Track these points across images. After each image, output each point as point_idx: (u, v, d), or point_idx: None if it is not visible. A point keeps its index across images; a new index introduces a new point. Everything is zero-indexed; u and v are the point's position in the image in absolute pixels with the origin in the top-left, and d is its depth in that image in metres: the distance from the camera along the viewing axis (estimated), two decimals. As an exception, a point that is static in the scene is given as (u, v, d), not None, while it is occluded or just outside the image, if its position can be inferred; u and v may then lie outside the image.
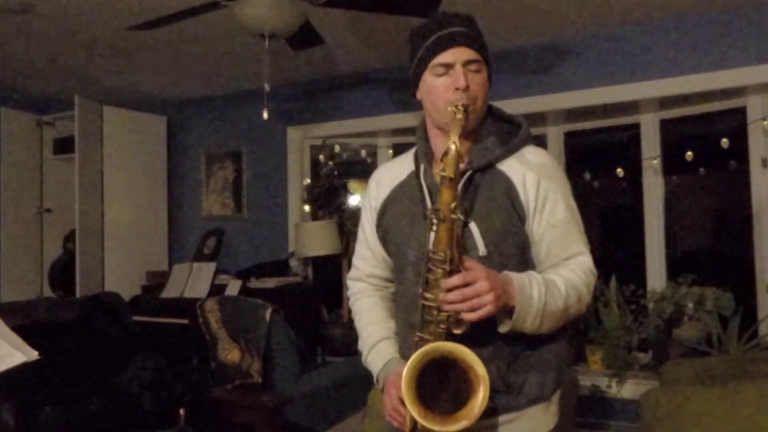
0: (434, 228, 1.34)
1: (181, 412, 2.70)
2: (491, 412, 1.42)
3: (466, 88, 1.42)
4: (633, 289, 3.46)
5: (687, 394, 2.20)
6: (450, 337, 1.33)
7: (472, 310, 1.28)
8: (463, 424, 1.26)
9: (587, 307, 1.46)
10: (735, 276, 3.44)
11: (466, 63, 1.43)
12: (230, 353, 3.39)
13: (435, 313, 1.33)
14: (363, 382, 2.93)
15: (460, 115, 1.36)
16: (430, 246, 1.35)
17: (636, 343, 3.41)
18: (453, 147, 1.30)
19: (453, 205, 1.31)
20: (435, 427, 1.27)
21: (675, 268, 3.58)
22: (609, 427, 3.39)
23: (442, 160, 1.33)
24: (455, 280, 1.29)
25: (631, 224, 3.80)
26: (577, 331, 3.60)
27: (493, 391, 1.38)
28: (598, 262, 1.50)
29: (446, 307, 1.30)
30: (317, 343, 4.06)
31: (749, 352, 3.01)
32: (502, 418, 1.43)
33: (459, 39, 1.44)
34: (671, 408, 2.19)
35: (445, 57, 1.44)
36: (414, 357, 1.30)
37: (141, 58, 3.90)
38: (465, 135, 1.48)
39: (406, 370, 1.30)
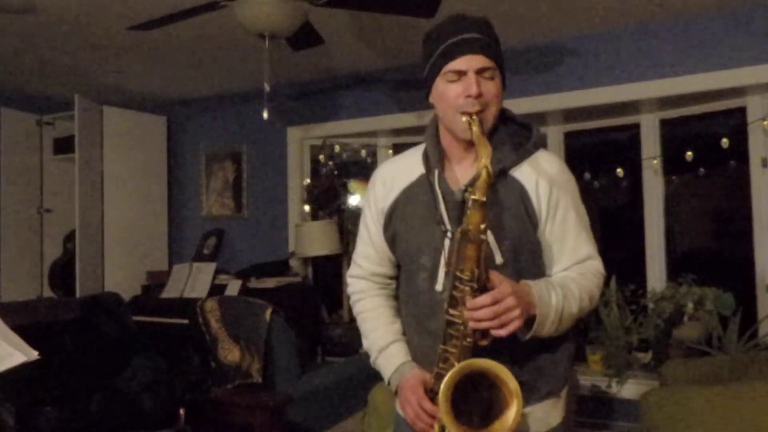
0: (449, 237, 1.39)
1: (181, 412, 2.71)
2: None
3: (479, 95, 1.40)
4: (633, 289, 3.46)
5: (687, 394, 2.21)
6: (476, 349, 1.35)
7: (502, 326, 1.30)
8: None
9: (596, 305, 1.52)
10: (735, 276, 3.44)
11: (480, 71, 1.42)
12: (230, 353, 3.39)
13: (461, 328, 1.34)
14: (363, 382, 2.94)
15: (476, 127, 1.36)
16: (446, 258, 1.39)
17: (636, 343, 3.41)
18: (484, 171, 1.31)
19: (483, 226, 1.31)
20: None
21: (675, 268, 3.58)
22: (609, 427, 3.39)
23: (473, 185, 1.33)
24: (484, 299, 1.30)
25: (631, 224, 3.80)
26: (577, 331, 3.60)
27: None
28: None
29: (474, 324, 1.31)
30: (317, 343, 4.06)
31: (749, 352, 3.01)
32: None
33: (472, 46, 1.41)
34: (671, 408, 2.19)
35: (457, 64, 1.41)
36: (449, 376, 1.32)
37: (141, 58, 3.90)
38: None
39: (443, 390, 1.31)
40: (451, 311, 1.35)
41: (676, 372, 2.69)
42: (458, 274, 1.33)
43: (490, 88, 1.43)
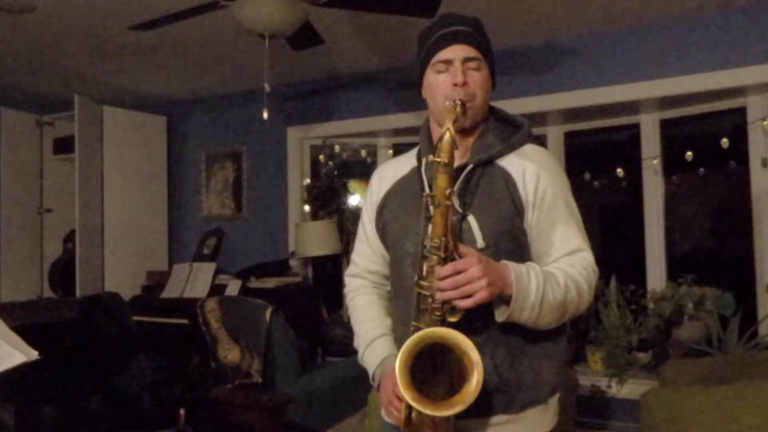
0: (430, 215, 1.35)
1: (181, 412, 2.71)
2: (486, 411, 1.41)
3: (464, 84, 1.44)
4: (633, 289, 3.46)
5: (687, 394, 2.20)
6: (445, 325, 1.32)
7: (465, 296, 1.27)
8: (458, 408, 1.25)
9: (588, 304, 1.44)
10: (735, 276, 3.45)
11: (466, 60, 1.45)
12: (230, 353, 3.39)
13: (430, 301, 1.32)
14: (363, 382, 2.93)
15: (458, 109, 1.38)
16: (427, 233, 1.35)
17: (636, 343, 3.41)
18: (447, 133, 1.32)
19: (448, 191, 1.31)
20: (429, 411, 1.26)
21: (675, 268, 3.58)
22: (609, 427, 3.39)
23: (436, 147, 1.34)
24: (447, 269, 1.28)
25: (631, 224, 3.80)
26: (577, 331, 3.60)
27: (488, 389, 1.37)
28: (598, 262, 1.49)
29: (438, 295, 1.29)
30: (317, 343, 4.06)
31: (749, 352, 3.01)
32: (496, 418, 1.42)
33: (459, 37, 1.46)
34: (671, 408, 2.19)
35: (444, 54, 1.46)
36: (408, 343, 1.29)
37: (141, 58, 3.90)
38: (465, 131, 1.49)
39: (400, 355, 1.28)
40: (422, 283, 1.34)
41: (676, 372, 2.69)
42: (426, 242, 1.33)
43: (477, 78, 1.46)
